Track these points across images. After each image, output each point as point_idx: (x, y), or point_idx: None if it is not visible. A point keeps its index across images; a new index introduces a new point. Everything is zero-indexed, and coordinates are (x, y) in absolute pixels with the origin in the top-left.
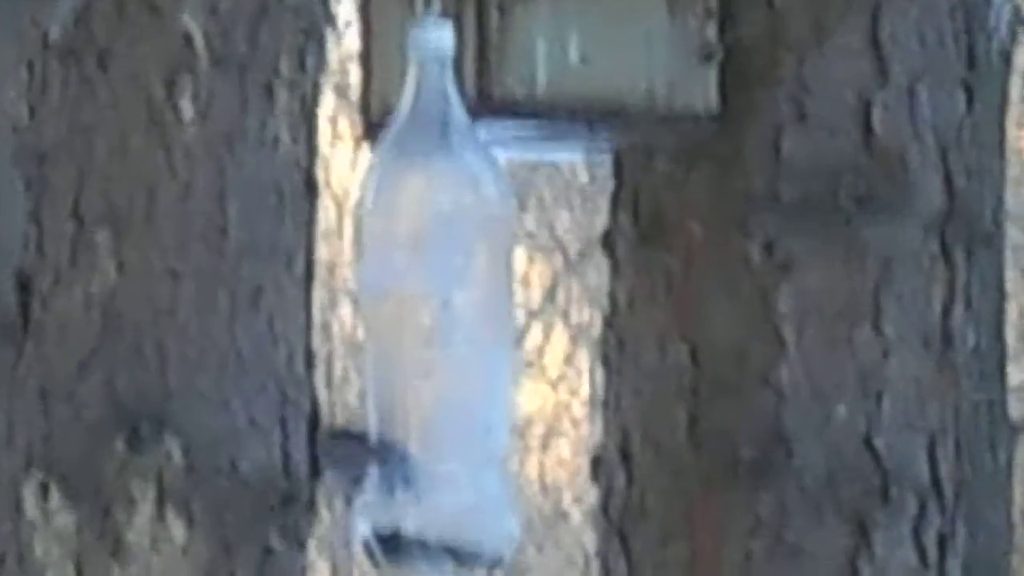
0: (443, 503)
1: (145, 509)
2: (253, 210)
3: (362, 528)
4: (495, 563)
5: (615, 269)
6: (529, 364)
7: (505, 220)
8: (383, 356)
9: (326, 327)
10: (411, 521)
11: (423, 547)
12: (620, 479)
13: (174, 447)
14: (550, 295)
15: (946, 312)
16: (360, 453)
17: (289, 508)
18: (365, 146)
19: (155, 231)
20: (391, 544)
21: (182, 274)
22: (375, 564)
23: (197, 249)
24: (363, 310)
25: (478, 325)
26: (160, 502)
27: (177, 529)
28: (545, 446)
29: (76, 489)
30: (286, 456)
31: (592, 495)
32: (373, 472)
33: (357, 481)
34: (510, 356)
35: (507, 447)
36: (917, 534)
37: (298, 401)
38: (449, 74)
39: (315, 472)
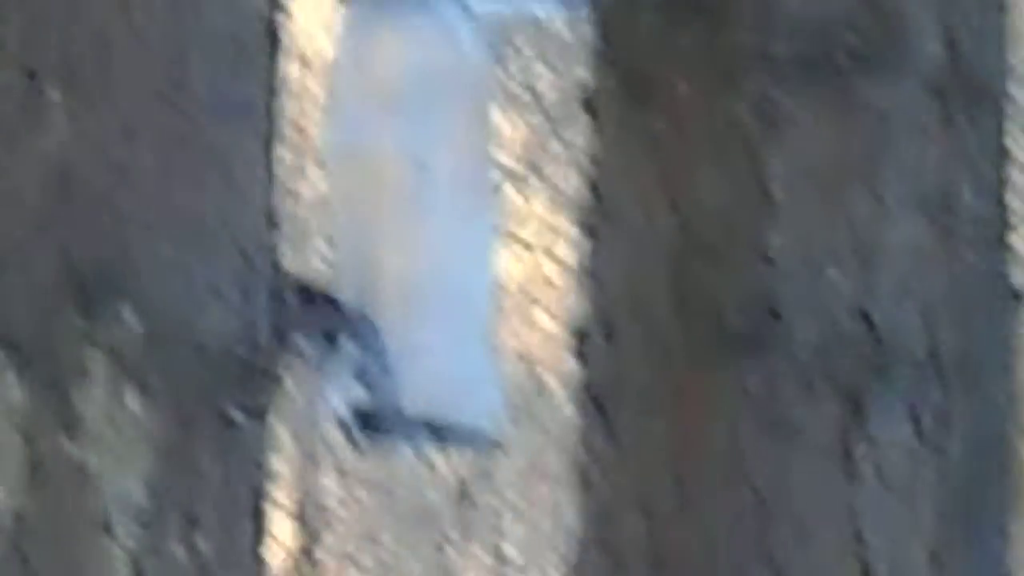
0: (421, 375)
1: (100, 380)
2: (213, 65)
3: (333, 401)
4: (477, 438)
5: (598, 130)
6: (507, 229)
7: (483, 76)
8: (355, 221)
9: (293, 190)
10: (386, 395)
11: (399, 422)
12: (602, 352)
13: (131, 315)
14: (530, 157)
15: (945, 175)
16: (332, 321)
17: (251, 379)
18: (336, 2)
19: (110, 86)
20: (365, 419)
21: (139, 133)
22: (347, 440)
23: (155, 105)
24: (332, 172)
25: (455, 188)
26: (116, 373)
27: (133, 401)
28: (523, 316)
29: (27, 360)
30: (248, 324)
31: (573, 368)
32: (346, 343)
33: (328, 351)
34: (489, 220)
35: (488, 314)
36: (913, 409)
37: (261, 266)
38: None
39: (279, 341)
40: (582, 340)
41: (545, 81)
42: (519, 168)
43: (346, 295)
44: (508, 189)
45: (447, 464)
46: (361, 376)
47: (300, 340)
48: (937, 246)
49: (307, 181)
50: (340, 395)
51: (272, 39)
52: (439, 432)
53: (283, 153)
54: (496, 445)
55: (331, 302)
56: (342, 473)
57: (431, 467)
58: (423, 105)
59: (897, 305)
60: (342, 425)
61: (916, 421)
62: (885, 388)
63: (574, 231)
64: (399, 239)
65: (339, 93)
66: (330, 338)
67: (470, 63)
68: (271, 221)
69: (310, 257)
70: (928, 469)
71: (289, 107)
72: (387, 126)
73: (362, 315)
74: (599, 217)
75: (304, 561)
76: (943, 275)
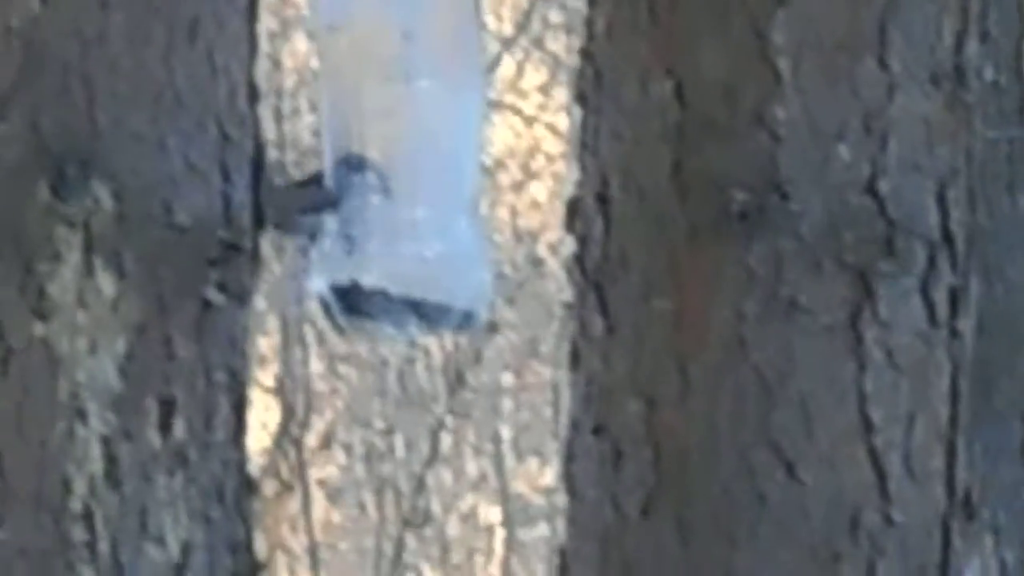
0: (408, 253)
1: (71, 261)
2: None
3: (317, 281)
4: (466, 319)
5: None
6: (501, 99)
7: None
8: (340, 92)
9: (275, 59)
10: (372, 273)
11: (386, 302)
12: (598, 227)
13: (103, 192)
14: (524, 22)
15: (959, 43)
16: (315, 197)
17: (230, 259)
18: None
19: None
20: (350, 299)
21: (112, 2)
22: (332, 321)
23: None
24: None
25: (444, 57)
26: (87, 253)
27: (106, 283)
28: (518, 189)
29: None
30: (227, 202)
31: (569, 244)
32: (329, 219)
33: (311, 228)
34: (480, 91)
35: (478, 190)
36: (926, 288)
37: (240, 141)
38: None
39: (259, 220)
40: (577, 215)
41: None
42: (515, 36)
43: (330, 170)
44: (502, 56)
45: (438, 344)
46: (345, 255)
47: (282, 218)
48: (950, 120)
49: (290, 52)
50: (323, 275)
51: None
52: (426, 313)
53: (266, 22)
54: (487, 326)
55: (314, 178)
56: (329, 354)
57: (421, 348)
58: None
59: (908, 180)
60: (323, 306)
61: (928, 301)
62: (896, 267)
63: (571, 100)
64: (385, 111)
65: None
66: (313, 215)
67: None
68: (252, 94)
69: (296, 129)
70: (940, 352)
71: None
72: None
73: (349, 190)
74: (595, 87)
75: (288, 444)
76: (956, 148)
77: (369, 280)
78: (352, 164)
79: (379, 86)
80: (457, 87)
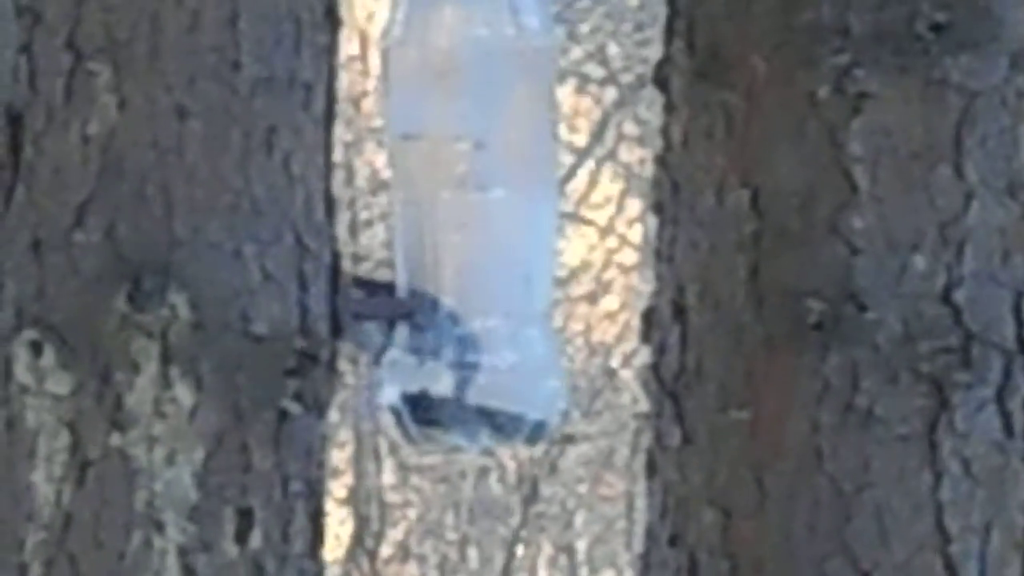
0: (480, 363)
1: (148, 371)
2: (267, 40)
3: (389, 391)
4: (539, 430)
5: (669, 106)
6: (574, 211)
7: (548, 52)
8: (413, 202)
9: (348, 169)
10: (444, 383)
11: (458, 411)
12: (674, 337)
13: (180, 302)
14: (598, 134)
15: None
16: (388, 307)
17: (307, 369)
18: None
19: (160, 64)
20: (422, 409)
21: (189, 111)
22: (404, 432)
23: (206, 84)
24: (391, 152)
25: (518, 167)
26: (164, 363)
27: (183, 393)
28: (592, 300)
29: (72, 349)
30: (304, 312)
31: (643, 355)
32: (402, 329)
33: (384, 339)
34: (553, 201)
35: (550, 301)
36: (1002, 399)
37: (317, 251)
38: None
39: (336, 330)
40: (653, 325)
41: (618, 58)
42: (588, 144)
43: (405, 280)
44: (576, 168)
45: (512, 456)
46: (417, 365)
47: (358, 329)
48: None
49: (364, 161)
50: (395, 384)
51: (330, 14)
52: (498, 424)
53: (340, 132)
54: (563, 438)
55: (389, 289)
56: (402, 465)
57: (495, 459)
58: (484, 83)
59: (984, 290)
60: (395, 415)
61: (1005, 412)
62: (972, 378)
63: (644, 211)
64: (459, 221)
65: (398, 71)
66: (388, 326)
67: (534, 39)
68: (329, 203)
69: (368, 242)
70: (1016, 462)
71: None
72: (447, 104)
73: (421, 302)
74: (671, 197)
75: (362, 556)
76: None
77: (441, 390)
78: (426, 274)
79: (452, 195)
80: (531, 197)
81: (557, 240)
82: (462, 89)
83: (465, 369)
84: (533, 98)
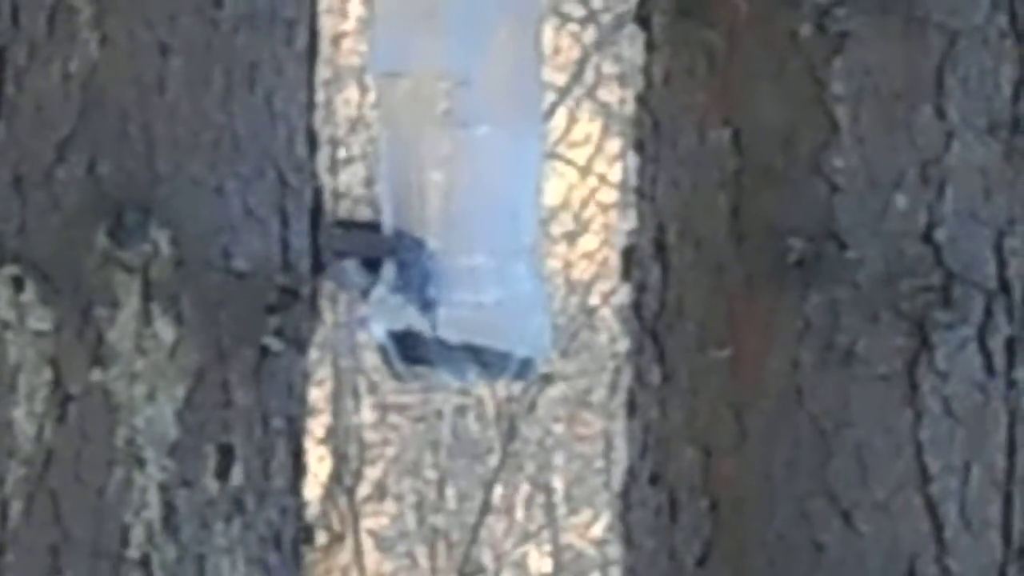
0: (466, 300)
1: (129, 307)
2: None
3: (376, 328)
4: (525, 366)
5: (650, 44)
6: (553, 150)
7: None
8: (397, 140)
9: (329, 107)
10: (431, 320)
11: (444, 349)
12: (654, 276)
13: (162, 238)
14: (578, 73)
15: (1016, 93)
16: (372, 244)
17: (289, 306)
18: None
19: (141, 1)
20: (409, 346)
21: (171, 48)
22: (390, 368)
23: (188, 21)
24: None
25: (501, 104)
26: (146, 299)
27: (164, 329)
28: (571, 240)
29: (53, 285)
30: (285, 248)
31: (623, 294)
32: (387, 266)
33: (368, 276)
34: (538, 137)
35: (536, 237)
36: (983, 338)
37: (299, 187)
38: None
39: (317, 266)
40: (634, 263)
41: None
42: (568, 87)
43: (390, 217)
44: (555, 106)
45: (491, 395)
46: (403, 302)
47: (340, 266)
48: (1007, 169)
49: (344, 100)
50: (381, 322)
51: None
52: (485, 361)
53: (320, 71)
54: (542, 377)
55: (372, 226)
56: (381, 404)
57: (474, 399)
58: (468, 20)
59: (965, 229)
60: (382, 353)
61: (985, 352)
62: (953, 317)
63: (624, 150)
64: (443, 157)
65: (384, 8)
66: (371, 263)
67: None
68: (311, 140)
69: (348, 179)
70: (997, 401)
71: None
72: (431, 42)
73: (404, 239)
74: (652, 135)
75: (340, 494)
76: (1013, 197)
77: (427, 327)
78: (410, 211)
79: (436, 132)
80: (515, 133)
81: (542, 176)
82: (446, 27)
83: (451, 305)
84: (517, 35)
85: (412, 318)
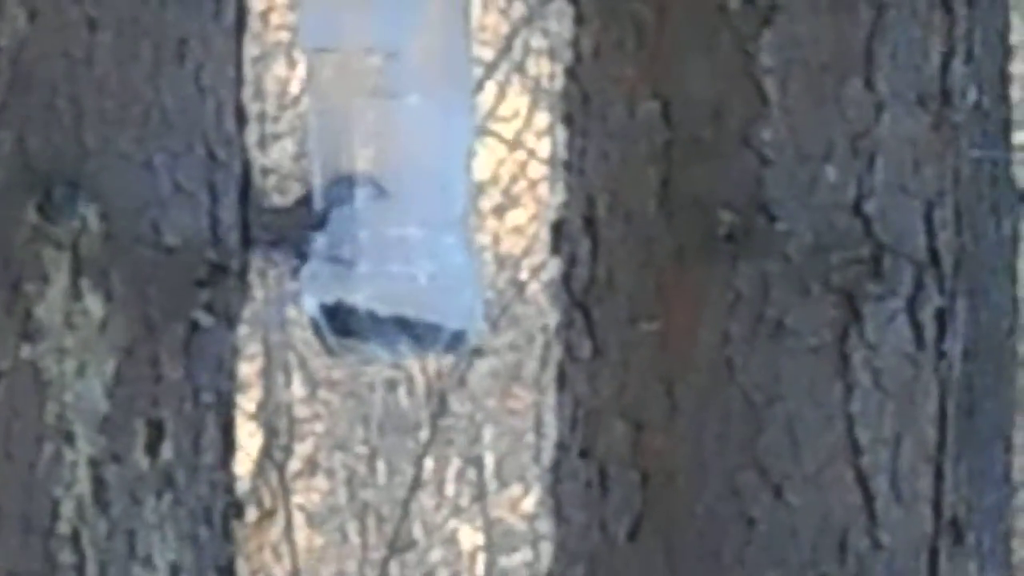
0: (397, 272)
1: (58, 282)
2: None
3: (308, 302)
4: (456, 339)
5: (579, 17)
6: (482, 124)
7: None
8: (327, 112)
9: (258, 82)
10: (362, 294)
11: (376, 322)
12: (584, 249)
13: (91, 213)
14: (506, 48)
15: (944, 65)
16: (304, 218)
17: (218, 280)
18: None
19: None
20: (340, 319)
21: (99, 22)
22: (322, 342)
23: None
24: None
25: (431, 76)
26: (75, 275)
27: (94, 304)
28: (499, 214)
29: None
30: (215, 223)
31: (552, 268)
32: (320, 239)
33: (300, 249)
34: (468, 109)
35: (467, 209)
36: (913, 310)
37: (228, 162)
38: None
39: (246, 241)
40: (563, 237)
41: None
42: (496, 61)
43: (318, 190)
44: (484, 81)
45: (421, 369)
46: (334, 275)
47: (269, 240)
48: (936, 141)
49: (272, 76)
50: (312, 295)
51: None
52: (416, 334)
53: (248, 47)
54: (472, 351)
55: (302, 200)
56: (311, 379)
57: (404, 373)
58: None
59: (894, 201)
60: (313, 326)
61: (916, 323)
62: (883, 289)
63: (553, 124)
64: (374, 130)
65: None
66: (301, 238)
67: None
68: (239, 115)
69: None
70: (927, 373)
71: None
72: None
73: (335, 211)
74: (581, 108)
75: (270, 469)
76: (942, 170)
77: (359, 300)
78: (341, 183)
79: (366, 103)
80: (445, 105)
81: (472, 148)
82: (375, 1)
83: (382, 279)
84: (446, 9)
85: (343, 291)
